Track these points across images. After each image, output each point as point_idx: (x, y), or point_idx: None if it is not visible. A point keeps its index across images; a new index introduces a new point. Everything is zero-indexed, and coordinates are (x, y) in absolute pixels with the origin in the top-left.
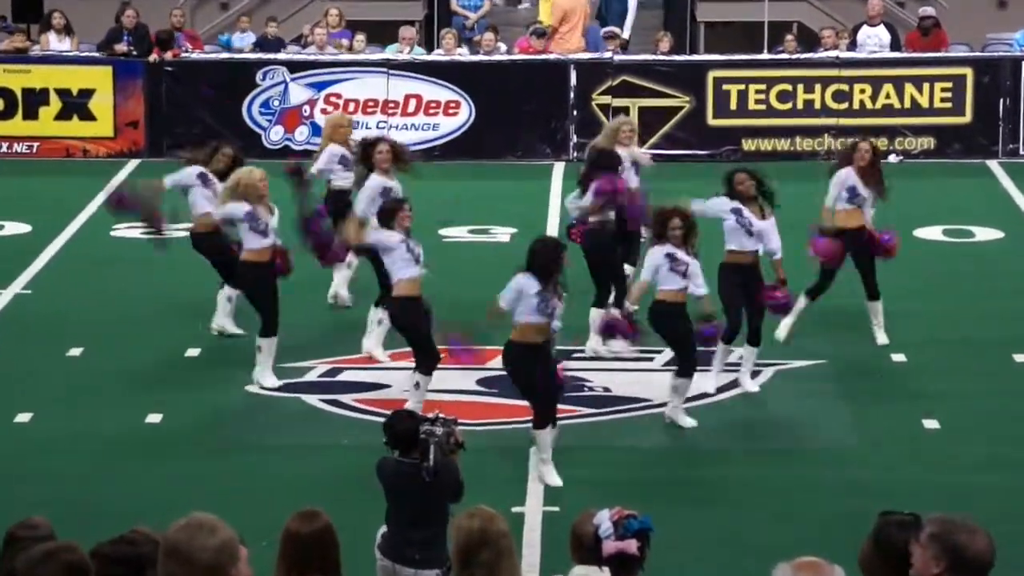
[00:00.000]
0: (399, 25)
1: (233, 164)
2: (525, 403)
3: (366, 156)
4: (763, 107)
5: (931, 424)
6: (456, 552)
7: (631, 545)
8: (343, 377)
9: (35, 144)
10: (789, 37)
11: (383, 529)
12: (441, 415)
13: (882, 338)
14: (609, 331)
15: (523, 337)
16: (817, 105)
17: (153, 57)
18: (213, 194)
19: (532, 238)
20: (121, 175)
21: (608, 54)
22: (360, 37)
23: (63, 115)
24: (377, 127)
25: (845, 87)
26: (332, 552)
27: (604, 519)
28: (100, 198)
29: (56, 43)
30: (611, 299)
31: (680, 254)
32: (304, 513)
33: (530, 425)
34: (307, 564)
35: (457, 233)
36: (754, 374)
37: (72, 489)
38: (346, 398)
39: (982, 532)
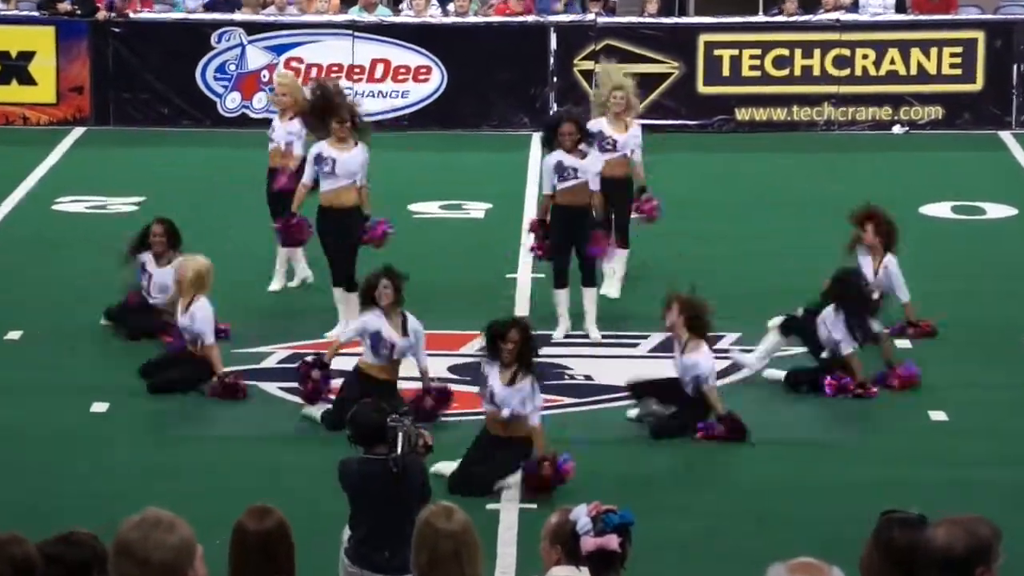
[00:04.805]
0: None
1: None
2: None
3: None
4: (758, 74)
5: (938, 416)
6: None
7: (611, 541)
8: None
9: None
10: None
11: (348, 531)
12: (408, 412)
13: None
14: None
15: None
16: (816, 72)
17: (101, 15)
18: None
19: (508, 214)
20: (64, 144)
21: (591, 16)
22: None
23: (1, 79)
24: None
25: (847, 52)
26: (284, 551)
27: (582, 514)
28: (40, 170)
29: None
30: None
31: None
32: (255, 509)
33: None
34: (258, 563)
35: (427, 209)
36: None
37: (10, 484)
38: None
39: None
